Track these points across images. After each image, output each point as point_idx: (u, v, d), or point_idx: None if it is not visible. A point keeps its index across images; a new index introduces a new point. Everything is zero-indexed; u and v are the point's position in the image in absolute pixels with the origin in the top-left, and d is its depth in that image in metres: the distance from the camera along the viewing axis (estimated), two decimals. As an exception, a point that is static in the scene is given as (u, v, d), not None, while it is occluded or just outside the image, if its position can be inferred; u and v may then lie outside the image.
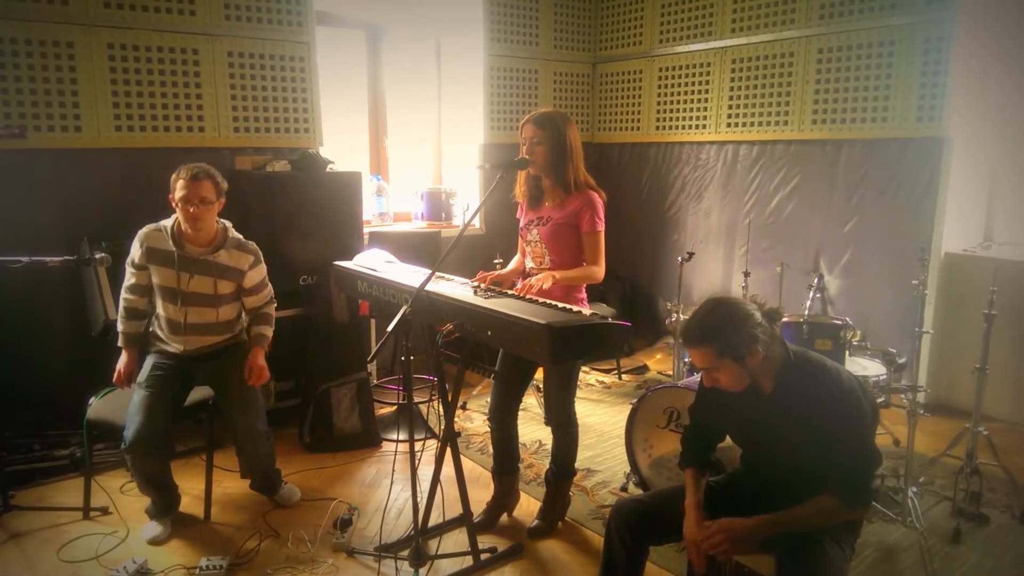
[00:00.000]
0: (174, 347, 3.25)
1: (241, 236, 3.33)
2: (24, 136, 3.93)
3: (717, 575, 2.25)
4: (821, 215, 5.00)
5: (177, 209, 3.12)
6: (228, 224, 3.31)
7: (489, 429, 3.33)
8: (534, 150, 2.97)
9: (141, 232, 3.20)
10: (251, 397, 3.32)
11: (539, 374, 3.89)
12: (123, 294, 3.27)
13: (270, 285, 3.44)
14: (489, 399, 3.29)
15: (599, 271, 3.03)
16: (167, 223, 3.21)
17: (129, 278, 3.25)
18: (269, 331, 3.40)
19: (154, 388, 3.15)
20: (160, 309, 3.25)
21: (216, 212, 3.19)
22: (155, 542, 3.14)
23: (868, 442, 2.11)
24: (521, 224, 3.20)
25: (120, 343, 3.28)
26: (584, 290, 3.14)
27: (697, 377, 2.78)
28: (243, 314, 3.43)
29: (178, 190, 3.08)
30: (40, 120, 3.98)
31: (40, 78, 3.95)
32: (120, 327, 3.28)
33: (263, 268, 3.37)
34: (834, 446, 2.04)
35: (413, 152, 5.89)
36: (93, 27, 4.04)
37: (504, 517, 3.35)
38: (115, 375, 3.23)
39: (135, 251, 3.20)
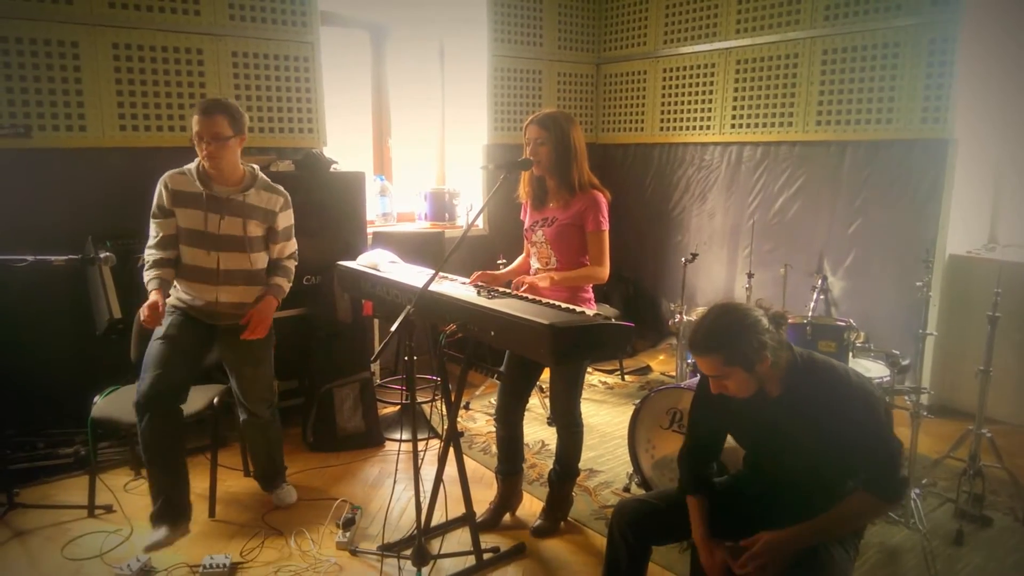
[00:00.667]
0: (205, 300, 3.07)
1: (269, 179, 3.19)
2: (29, 135, 3.94)
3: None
4: (825, 216, 5.00)
5: (196, 148, 2.97)
6: (256, 167, 3.17)
7: (495, 429, 3.33)
8: (538, 151, 2.97)
9: (164, 177, 3.04)
10: (261, 381, 3.28)
11: (545, 374, 3.90)
12: (147, 251, 3.06)
13: (295, 238, 3.29)
14: (495, 400, 3.30)
15: (603, 271, 3.02)
16: (191, 166, 3.05)
17: (154, 233, 3.05)
18: (287, 285, 3.22)
19: (174, 339, 3.03)
20: (189, 258, 3.05)
21: (236, 149, 3.02)
22: (154, 547, 3.00)
23: (888, 434, 2.09)
24: (526, 225, 3.20)
25: (149, 288, 2.98)
26: (591, 290, 3.13)
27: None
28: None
29: (193, 126, 2.93)
30: (45, 119, 3.99)
31: (45, 77, 3.96)
32: (148, 276, 3.01)
33: (292, 214, 3.22)
34: (857, 446, 2.03)
35: (417, 152, 5.90)
36: (98, 27, 4.06)
37: (507, 517, 3.36)
38: (141, 314, 2.92)
39: (159, 196, 3.02)
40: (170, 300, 3.14)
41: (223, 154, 2.97)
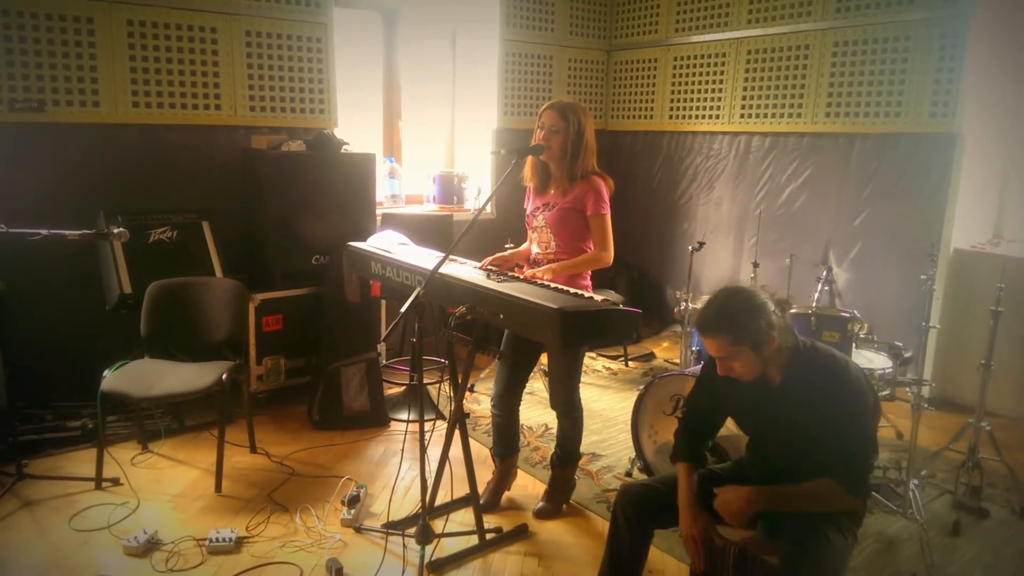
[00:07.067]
0: None
1: None
2: (42, 110, 3.96)
3: (720, 562, 2.28)
4: (832, 208, 5.01)
5: None
6: None
7: (492, 414, 3.36)
8: (551, 138, 2.98)
9: None
10: None
11: (544, 358, 3.93)
12: None
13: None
14: (493, 384, 3.32)
15: (607, 255, 3.03)
16: None
17: None
18: None
19: None
20: None
21: None
22: None
23: (870, 434, 2.15)
24: (527, 211, 3.22)
25: None
26: (589, 277, 3.15)
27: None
28: None
29: None
30: (59, 95, 4.01)
31: (60, 53, 3.98)
32: None
33: None
34: (838, 434, 2.08)
35: (426, 135, 5.91)
36: (114, 3, 4.07)
37: (508, 498, 3.39)
38: None
39: None
40: None
41: None
